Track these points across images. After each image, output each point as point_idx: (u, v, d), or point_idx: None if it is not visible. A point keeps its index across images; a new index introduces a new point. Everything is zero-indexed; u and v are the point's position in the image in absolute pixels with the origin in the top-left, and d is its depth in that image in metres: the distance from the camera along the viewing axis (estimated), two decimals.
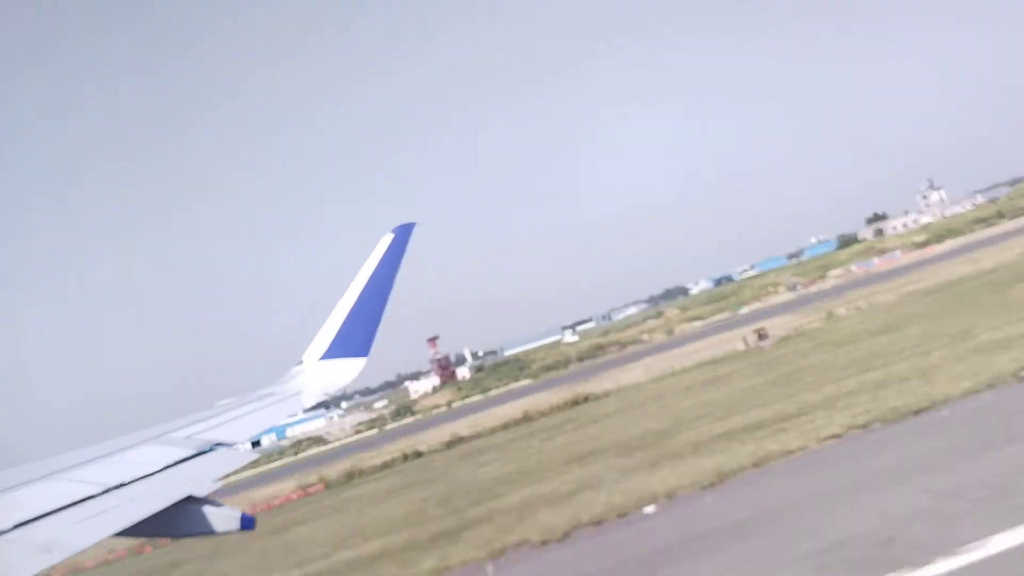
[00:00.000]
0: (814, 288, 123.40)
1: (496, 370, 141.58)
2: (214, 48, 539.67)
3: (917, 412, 27.68)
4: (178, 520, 5.07)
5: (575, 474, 34.72)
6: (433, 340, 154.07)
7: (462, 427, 72.41)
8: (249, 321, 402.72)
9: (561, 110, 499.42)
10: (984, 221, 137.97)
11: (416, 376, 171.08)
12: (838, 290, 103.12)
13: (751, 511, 21.98)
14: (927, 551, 15.72)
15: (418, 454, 64.68)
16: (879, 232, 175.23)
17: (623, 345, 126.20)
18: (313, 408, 9.31)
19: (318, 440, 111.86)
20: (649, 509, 25.34)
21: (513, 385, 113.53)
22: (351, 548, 34.13)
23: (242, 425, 7.20)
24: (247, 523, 5.21)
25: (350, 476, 62.04)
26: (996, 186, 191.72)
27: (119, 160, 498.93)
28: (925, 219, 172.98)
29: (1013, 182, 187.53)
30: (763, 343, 67.93)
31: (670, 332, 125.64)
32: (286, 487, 65.86)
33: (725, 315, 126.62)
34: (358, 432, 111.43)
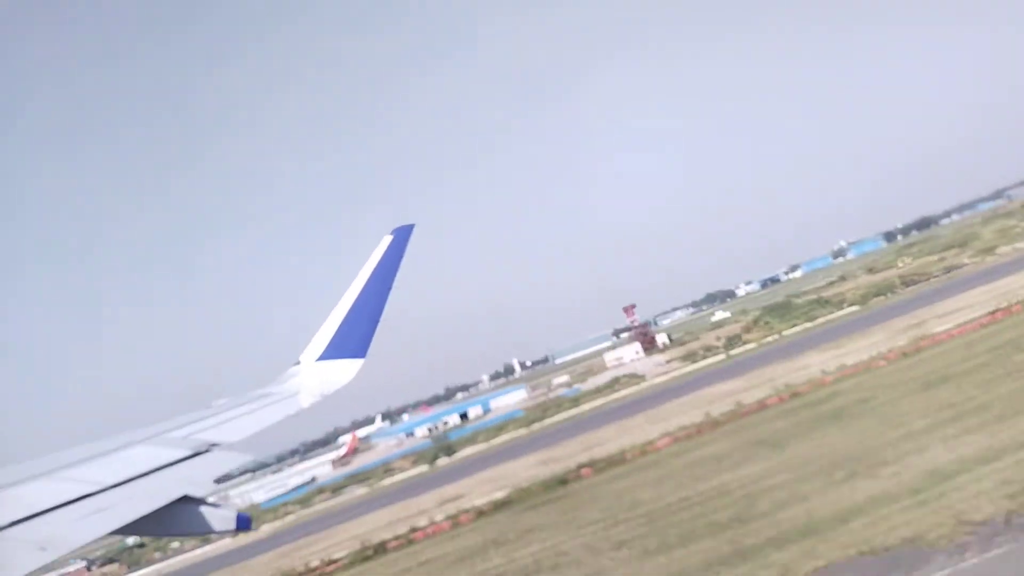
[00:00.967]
0: None
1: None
2: (219, 52, 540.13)
3: None
4: (175, 519, 5.10)
5: None
6: (630, 308, 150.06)
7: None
8: (244, 321, 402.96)
9: (601, 114, 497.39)
10: None
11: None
12: None
13: None
14: None
15: None
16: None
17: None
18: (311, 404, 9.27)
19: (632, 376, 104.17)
20: None
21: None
22: None
23: (240, 425, 7.21)
24: (243, 523, 5.24)
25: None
26: None
27: (117, 163, 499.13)
28: None
29: None
30: None
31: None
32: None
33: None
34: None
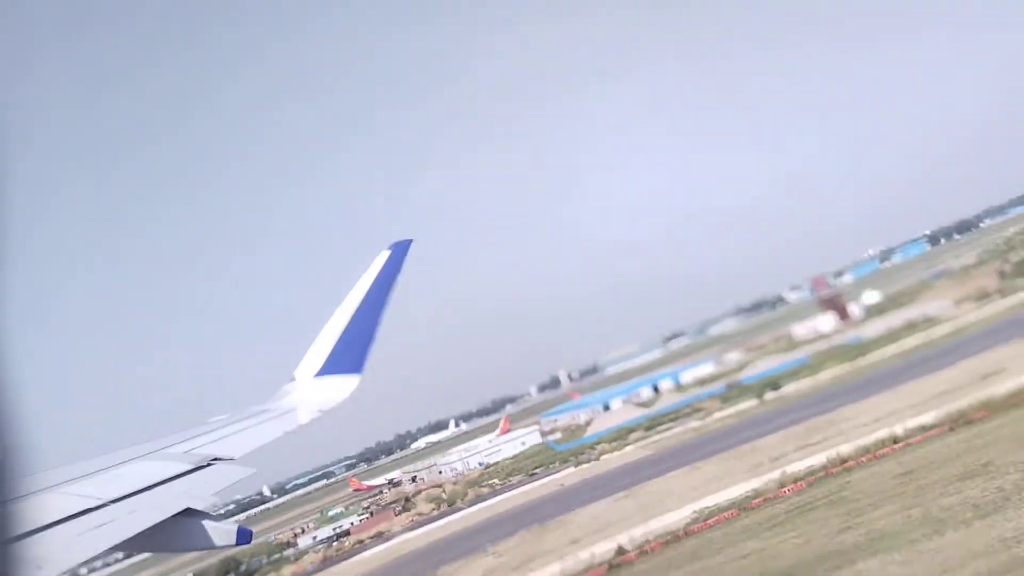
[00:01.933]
0: None
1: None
2: (217, 58, 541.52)
3: None
4: (176, 534, 5.08)
5: None
6: (822, 278, 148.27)
7: None
8: (237, 338, 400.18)
9: (638, 115, 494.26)
10: None
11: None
12: None
13: None
14: None
15: None
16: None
17: None
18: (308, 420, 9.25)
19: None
20: None
21: None
22: None
23: (239, 441, 7.21)
24: (243, 537, 5.23)
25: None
26: None
27: (115, 167, 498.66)
28: None
29: None
30: None
31: None
32: None
33: None
34: None
